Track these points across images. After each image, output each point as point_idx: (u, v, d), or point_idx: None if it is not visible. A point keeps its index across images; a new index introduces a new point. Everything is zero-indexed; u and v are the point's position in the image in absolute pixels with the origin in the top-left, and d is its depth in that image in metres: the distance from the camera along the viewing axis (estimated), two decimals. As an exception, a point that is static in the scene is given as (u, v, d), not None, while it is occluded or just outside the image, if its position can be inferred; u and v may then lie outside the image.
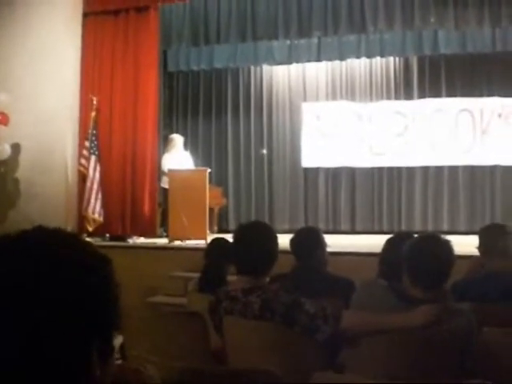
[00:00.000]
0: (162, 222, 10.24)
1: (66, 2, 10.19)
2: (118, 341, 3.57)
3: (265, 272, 3.22)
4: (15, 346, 0.93)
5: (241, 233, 3.35)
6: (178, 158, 9.83)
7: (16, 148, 10.00)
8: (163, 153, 10.17)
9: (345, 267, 5.39)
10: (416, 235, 3.22)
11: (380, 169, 12.11)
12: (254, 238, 3.21)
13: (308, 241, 4.30)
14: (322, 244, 4.33)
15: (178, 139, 10.09)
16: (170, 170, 9.46)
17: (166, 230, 9.76)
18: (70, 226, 9.47)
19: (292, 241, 4.33)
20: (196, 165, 10.52)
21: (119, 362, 3.49)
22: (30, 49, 10.00)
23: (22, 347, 0.93)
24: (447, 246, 2.93)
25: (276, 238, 3.28)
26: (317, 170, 12.39)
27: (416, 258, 2.89)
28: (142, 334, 3.63)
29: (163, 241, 9.64)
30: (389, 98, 12.13)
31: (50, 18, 10.02)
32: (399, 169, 12.03)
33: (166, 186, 9.66)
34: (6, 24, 10.15)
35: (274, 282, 3.70)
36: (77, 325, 0.96)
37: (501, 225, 4.69)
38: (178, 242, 9.25)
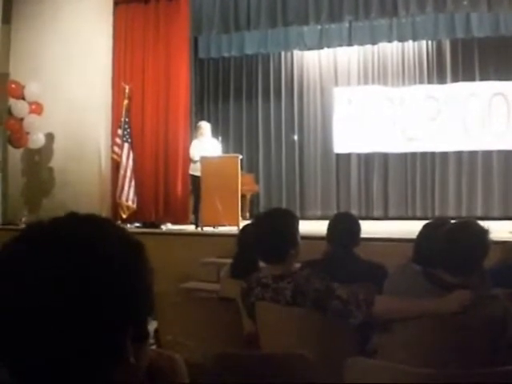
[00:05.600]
0: (193, 209, 10.27)
1: (97, -10, 10.26)
2: (152, 326, 3.61)
3: (286, 259, 3.19)
4: (45, 336, 0.93)
5: (256, 223, 3.36)
6: (206, 145, 9.83)
7: (50, 137, 10.14)
8: (192, 140, 10.19)
9: (378, 253, 5.37)
10: (452, 221, 3.20)
11: (413, 154, 12.02)
12: (268, 228, 3.20)
13: (346, 226, 4.28)
14: (357, 230, 4.31)
15: (206, 126, 10.09)
16: (202, 157, 9.48)
17: (196, 217, 9.80)
18: (104, 213, 9.57)
19: (329, 225, 4.31)
20: (227, 151, 10.53)
21: (153, 347, 3.53)
22: (61, 38, 10.09)
23: (52, 335, 0.93)
24: (480, 233, 2.90)
25: (293, 222, 3.26)
26: (349, 155, 12.34)
27: (447, 245, 2.88)
28: (175, 319, 3.66)
29: (194, 228, 9.71)
30: (421, 82, 12.01)
31: (81, 7, 10.09)
32: (432, 154, 11.92)
33: (196, 173, 9.69)
34: (36, 14, 10.25)
35: (305, 268, 3.71)
36: (109, 312, 0.95)
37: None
38: (209, 229, 9.30)
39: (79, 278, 0.94)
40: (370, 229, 6.96)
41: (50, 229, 1.01)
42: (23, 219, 9.63)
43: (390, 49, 12.21)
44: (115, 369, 0.97)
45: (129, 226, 9.83)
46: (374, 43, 11.98)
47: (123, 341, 0.98)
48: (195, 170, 9.70)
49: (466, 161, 11.81)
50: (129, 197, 9.99)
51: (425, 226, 3.79)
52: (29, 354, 0.94)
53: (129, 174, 10.00)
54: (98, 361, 0.95)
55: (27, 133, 9.86)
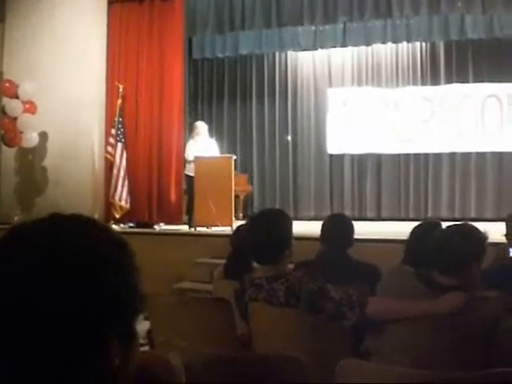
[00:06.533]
0: (186, 209, 10.26)
1: (92, -10, 10.24)
2: (144, 326, 3.60)
3: (280, 260, 3.18)
4: (26, 336, 0.91)
5: (250, 224, 3.36)
6: (202, 145, 9.82)
7: (43, 136, 10.10)
8: (187, 140, 10.19)
9: (371, 254, 5.37)
10: (444, 224, 3.21)
11: (406, 155, 12.04)
12: (261, 228, 3.20)
13: (339, 227, 4.28)
14: (351, 231, 4.31)
15: (202, 126, 10.08)
16: (196, 157, 9.47)
17: (190, 218, 9.80)
18: (97, 213, 9.57)
19: (322, 226, 4.31)
20: (221, 152, 10.51)
21: (146, 347, 3.53)
22: (55, 37, 10.07)
23: (34, 336, 0.91)
24: (477, 236, 2.91)
25: (286, 223, 3.26)
26: (342, 156, 12.35)
27: (443, 247, 2.89)
28: (168, 319, 3.65)
29: (188, 228, 9.70)
30: (415, 83, 12.03)
31: (76, 7, 10.07)
32: (426, 155, 11.94)
33: (190, 174, 9.68)
34: (31, 13, 10.22)
35: (299, 269, 3.71)
36: (93, 310, 0.94)
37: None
38: (203, 229, 9.29)
39: (62, 277, 0.93)
40: (363, 230, 6.97)
41: (32, 229, 1.00)
42: (16, 218, 9.59)
43: (384, 50, 12.22)
44: (97, 371, 0.95)
45: (122, 225, 9.84)
46: (368, 44, 11.98)
47: (107, 340, 0.96)
48: (190, 170, 9.69)
49: (459, 162, 11.84)
50: (122, 197, 9.97)
51: (416, 228, 3.81)
52: (12, 355, 0.92)
53: (122, 173, 9.98)
54: (75, 364, 0.93)
55: (21, 132, 9.82)
